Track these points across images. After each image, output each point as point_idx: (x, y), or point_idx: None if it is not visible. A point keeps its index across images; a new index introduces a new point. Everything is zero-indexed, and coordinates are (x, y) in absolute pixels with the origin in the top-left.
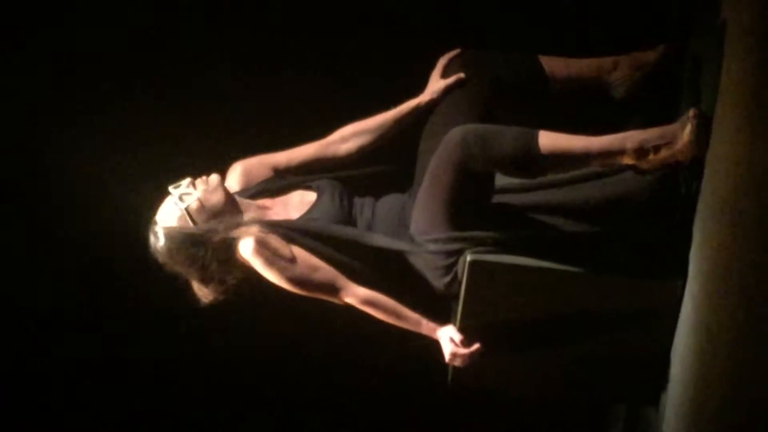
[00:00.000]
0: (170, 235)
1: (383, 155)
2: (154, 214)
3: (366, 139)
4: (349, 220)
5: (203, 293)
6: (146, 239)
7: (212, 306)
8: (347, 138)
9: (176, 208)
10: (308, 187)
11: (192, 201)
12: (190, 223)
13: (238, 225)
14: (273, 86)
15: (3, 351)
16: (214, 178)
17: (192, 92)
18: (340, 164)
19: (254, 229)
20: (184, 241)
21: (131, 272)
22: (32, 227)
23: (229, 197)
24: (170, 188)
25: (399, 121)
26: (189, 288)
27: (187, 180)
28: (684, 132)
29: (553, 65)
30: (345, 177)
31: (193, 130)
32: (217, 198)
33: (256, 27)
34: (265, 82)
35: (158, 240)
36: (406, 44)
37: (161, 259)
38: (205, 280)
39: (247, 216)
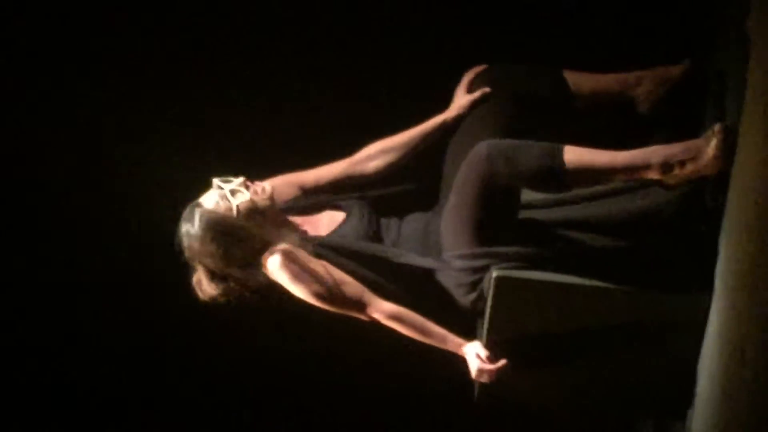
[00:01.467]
0: (213, 220)
1: (409, 171)
2: (167, 219)
3: (393, 156)
4: (376, 238)
5: (207, 289)
6: (178, 223)
7: (223, 309)
8: (374, 156)
9: (225, 201)
10: (337, 207)
11: (243, 199)
12: (235, 218)
13: (279, 234)
14: (300, 104)
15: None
16: (269, 187)
17: (223, 109)
18: (368, 182)
19: (287, 242)
20: (223, 231)
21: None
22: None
23: (276, 209)
24: (217, 181)
25: (425, 138)
26: (192, 280)
27: (240, 179)
28: (709, 146)
29: (578, 80)
30: (372, 196)
31: (221, 145)
32: (268, 204)
33: (286, 49)
34: (293, 99)
35: (194, 221)
36: (432, 60)
37: (188, 241)
38: (218, 277)
39: (286, 230)
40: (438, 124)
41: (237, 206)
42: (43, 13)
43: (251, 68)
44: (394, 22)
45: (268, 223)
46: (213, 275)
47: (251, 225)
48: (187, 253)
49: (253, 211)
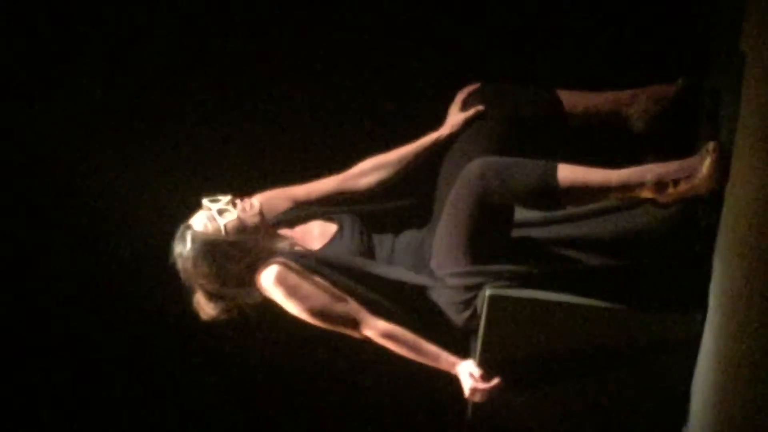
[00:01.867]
0: (202, 242)
1: (402, 189)
2: (171, 225)
3: (386, 172)
4: (369, 254)
5: (207, 308)
6: (170, 242)
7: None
8: (367, 172)
9: (213, 222)
10: (329, 219)
11: (231, 218)
12: (224, 237)
13: (270, 249)
14: (295, 119)
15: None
16: (257, 202)
17: (217, 118)
18: (360, 198)
19: (280, 257)
20: (214, 252)
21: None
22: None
23: (266, 224)
24: (206, 200)
25: (418, 155)
26: (191, 301)
27: (228, 197)
28: (703, 165)
29: (572, 99)
30: (364, 212)
31: (214, 158)
32: (255, 221)
33: (278, 61)
34: (288, 114)
35: (186, 244)
36: (426, 78)
37: (182, 264)
38: (215, 296)
39: (276, 244)
40: (431, 141)
41: (225, 226)
42: (37, 13)
43: (251, 75)
44: (389, 38)
45: (259, 239)
46: (211, 295)
47: (241, 243)
48: (182, 276)
49: (241, 229)
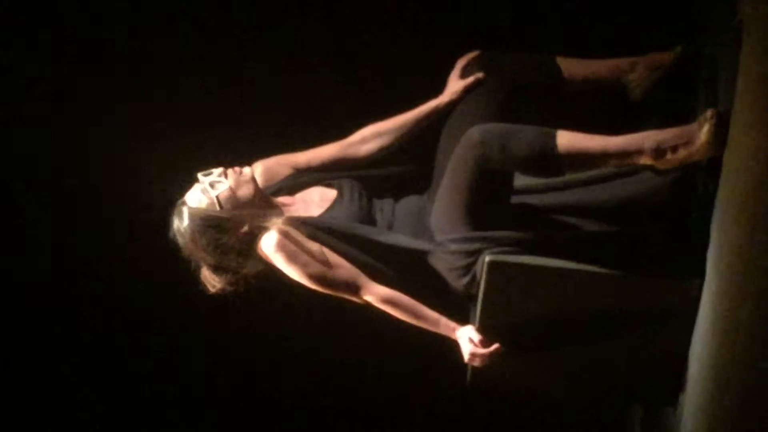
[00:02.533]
0: (197, 217)
1: (403, 156)
2: (172, 205)
3: (386, 140)
4: (369, 219)
5: (213, 281)
6: (169, 220)
7: (222, 300)
8: (368, 139)
9: (206, 194)
10: (328, 185)
11: (223, 189)
12: (219, 210)
13: (265, 217)
14: (295, 87)
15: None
16: (247, 170)
17: (213, 90)
18: (361, 165)
19: (279, 223)
20: (210, 225)
21: (146, 263)
22: (42, 224)
23: (259, 191)
24: (200, 175)
25: (419, 122)
26: (198, 275)
27: (220, 169)
28: (701, 132)
29: (571, 66)
30: (365, 177)
31: (215, 127)
32: (247, 189)
33: (277, 30)
34: (287, 82)
35: (183, 221)
36: (426, 46)
37: (182, 240)
38: (219, 269)
39: (272, 211)
40: (431, 109)
41: (217, 197)
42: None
43: (245, 59)
44: (388, 10)
45: (255, 208)
46: (215, 268)
47: (236, 213)
48: (184, 252)
49: (234, 199)
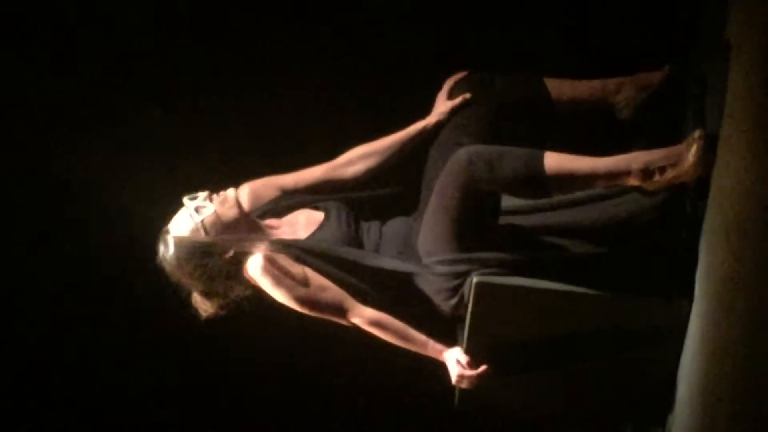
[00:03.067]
0: (181, 244)
1: (390, 177)
2: (165, 224)
3: (373, 161)
4: (356, 242)
5: (204, 306)
6: (155, 248)
7: (214, 319)
8: (354, 160)
9: (191, 220)
10: (315, 207)
11: (208, 214)
12: (203, 235)
13: (250, 241)
14: (284, 108)
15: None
16: (231, 193)
17: (204, 109)
18: (348, 186)
19: (264, 246)
20: (195, 252)
21: (139, 281)
22: (39, 234)
23: (244, 214)
24: (185, 199)
25: (406, 143)
26: (189, 300)
27: (205, 193)
28: (689, 153)
29: (558, 87)
30: (352, 199)
31: (205, 147)
32: (232, 213)
33: (269, 50)
34: (276, 103)
35: (168, 249)
36: (413, 67)
37: (168, 268)
38: (209, 294)
39: (258, 235)
40: (419, 129)
41: (202, 222)
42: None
43: (240, 68)
44: (380, 27)
45: (240, 230)
46: (206, 293)
47: (220, 238)
48: (172, 279)
49: (219, 224)
